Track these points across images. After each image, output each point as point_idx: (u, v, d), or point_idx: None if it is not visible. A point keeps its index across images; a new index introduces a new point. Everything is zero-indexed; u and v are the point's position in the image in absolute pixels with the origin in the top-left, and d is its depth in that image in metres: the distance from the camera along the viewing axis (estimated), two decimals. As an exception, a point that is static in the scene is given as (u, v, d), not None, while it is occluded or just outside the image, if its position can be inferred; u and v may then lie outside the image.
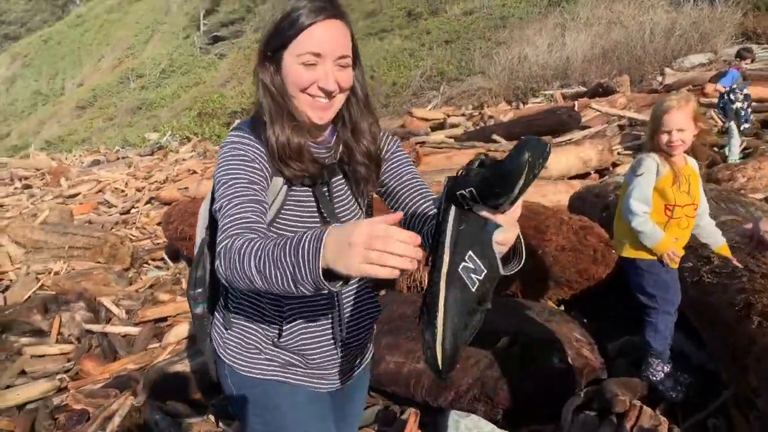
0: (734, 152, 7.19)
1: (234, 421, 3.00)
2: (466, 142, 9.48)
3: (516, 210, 1.11)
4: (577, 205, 4.68)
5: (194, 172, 12.56)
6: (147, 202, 10.65)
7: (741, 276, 2.48)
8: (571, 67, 16.61)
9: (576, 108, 10.38)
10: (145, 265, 6.47)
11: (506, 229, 1.10)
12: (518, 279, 3.73)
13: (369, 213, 1.57)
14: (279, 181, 1.33)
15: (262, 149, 1.31)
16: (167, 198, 9.78)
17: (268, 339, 1.42)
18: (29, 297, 5.53)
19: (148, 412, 3.10)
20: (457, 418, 2.47)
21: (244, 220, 1.20)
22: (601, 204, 4.26)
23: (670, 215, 2.61)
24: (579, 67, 16.43)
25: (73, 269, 6.13)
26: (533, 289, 3.72)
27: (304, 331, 1.41)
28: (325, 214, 1.36)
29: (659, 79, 13.25)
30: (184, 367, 3.28)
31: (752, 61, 7.90)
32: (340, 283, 1.00)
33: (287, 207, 1.36)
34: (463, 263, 1.05)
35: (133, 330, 4.21)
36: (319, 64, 1.26)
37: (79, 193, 12.47)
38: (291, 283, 1.02)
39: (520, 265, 1.20)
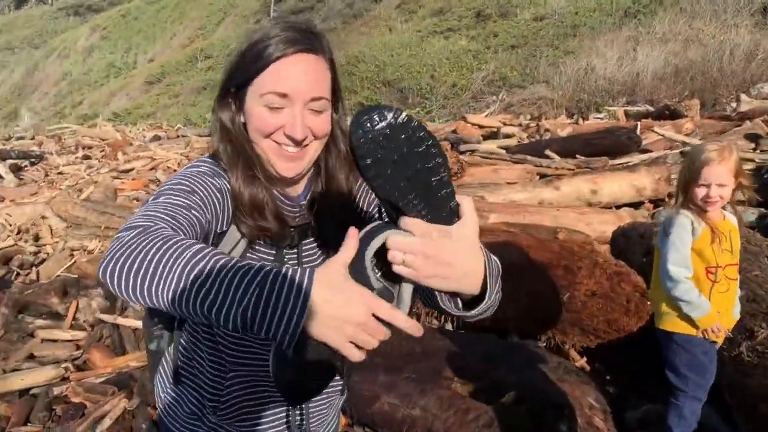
0: None
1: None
2: (517, 155, 9.12)
3: (466, 223, 0.85)
4: (620, 243, 4.36)
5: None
6: (195, 184, 10.77)
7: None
8: (640, 84, 15.90)
9: (638, 129, 9.84)
10: (177, 252, 6.49)
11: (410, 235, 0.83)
12: (540, 320, 3.47)
13: None
14: (237, 234, 1.14)
15: (228, 186, 1.12)
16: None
17: (210, 406, 1.24)
18: (60, 273, 5.63)
19: (138, 419, 3.02)
20: (445, 479, 2.27)
21: (168, 215, 0.95)
22: (644, 246, 3.93)
23: (713, 279, 2.31)
24: (648, 84, 15.71)
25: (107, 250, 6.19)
26: (556, 332, 3.45)
27: (247, 406, 1.22)
28: None
29: (733, 105, 12.45)
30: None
31: None
32: (306, 348, 0.81)
33: None
34: None
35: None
36: (286, 107, 1.06)
37: (133, 169, 12.76)
38: (239, 318, 0.77)
39: (485, 307, 0.94)
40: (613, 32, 19.22)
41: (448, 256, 0.83)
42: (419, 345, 2.96)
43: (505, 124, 12.71)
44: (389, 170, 0.82)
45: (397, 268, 0.83)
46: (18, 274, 5.76)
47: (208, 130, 14.42)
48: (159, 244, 0.83)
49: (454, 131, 11.60)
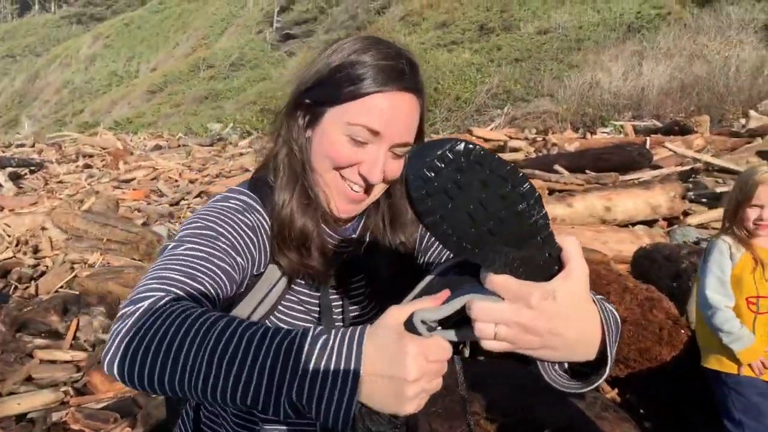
0: None
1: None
2: (526, 170, 8.98)
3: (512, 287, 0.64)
4: (643, 265, 4.19)
5: (247, 170, 12.52)
6: (197, 196, 10.65)
7: None
8: (646, 99, 15.82)
9: (648, 145, 9.72)
10: (180, 266, 6.32)
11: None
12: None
13: None
14: (278, 272, 0.99)
15: (265, 222, 0.97)
16: (216, 194, 9.71)
17: None
18: (59, 288, 5.45)
19: (142, 450, 2.84)
20: None
21: (186, 274, 0.80)
22: (671, 269, 3.77)
23: (755, 311, 2.15)
24: (654, 99, 15.63)
25: (108, 263, 6.03)
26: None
27: None
28: None
29: (742, 121, 12.36)
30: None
31: None
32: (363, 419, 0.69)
33: (283, 309, 1.01)
34: None
35: (148, 345, 4.00)
36: (371, 144, 0.91)
37: (134, 179, 12.63)
38: (282, 406, 0.66)
39: (606, 373, 0.74)
40: (617, 47, 19.19)
41: (554, 323, 0.65)
42: (448, 376, 2.78)
43: (510, 137, 12.60)
44: (462, 223, 0.64)
45: (487, 344, 0.65)
46: (16, 288, 5.59)
47: (209, 139, 14.31)
48: (175, 325, 0.69)
49: (461, 144, 11.47)
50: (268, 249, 0.97)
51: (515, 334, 0.64)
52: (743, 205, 2.17)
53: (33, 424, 3.27)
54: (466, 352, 0.79)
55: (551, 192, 8.21)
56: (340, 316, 1.04)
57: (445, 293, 0.71)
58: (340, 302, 1.05)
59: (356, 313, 1.07)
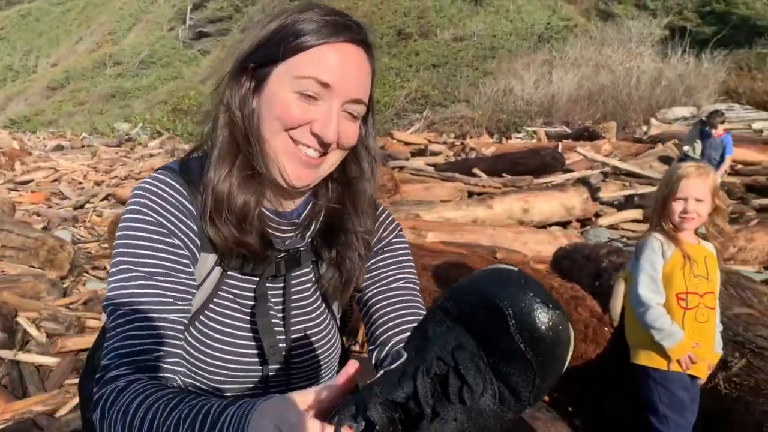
0: None
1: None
2: (447, 173, 9.11)
3: None
4: (564, 265, 4.29)
5: (158, 171, 11.96)
6: (103, 199, 10.04)
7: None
8: (556, 106, 16.55)
9: (560, 150, 10.13)
10: (85, 274, 5.87)
11: None
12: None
13: (343, 328, 1.10)
14: (210, 259, 0.88)
15: (191, 207, 0.87)
16: (125, 197, 9.16)
17: None
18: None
19: (44, 478, 2.56)
20: None
21: (142, 348, 0.79)
22: (592, 268, 3.87)
23: (684, 306, 2.21)
24: (564, 106, 16.38)
25: (3, 272, 5.50)
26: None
27: None
28: (259, 328, 0.90)
29: (644, 128, 13.17)
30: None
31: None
32: None
33: (220, 298, 0.91)
34: None
35: (49, 360, 3.64)
36: (322, 99, 0.83)
37: (32, 180, 11.75)
38: None
39: None
40: (529, 55, 19.98)
41: None
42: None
43: (430, 141, 12.78)
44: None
45: None
46: None
47: (117, 139, 13.56)
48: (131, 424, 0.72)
49: (382, 147, 11.50)
50: (196, 230, 0.87)
51: None
52: (668, 199, 2.22)
53: None
54: None
55: (471, 194, 8.38)
56: (281, 304, 0.94)
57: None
58: (281, 297, 0.94)
59: (301, 308, 0.96)
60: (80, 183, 11.63)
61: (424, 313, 0.96)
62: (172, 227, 0.85)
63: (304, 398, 0.60)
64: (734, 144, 9.65)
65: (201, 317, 0.90)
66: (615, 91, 15.96)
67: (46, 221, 8.13)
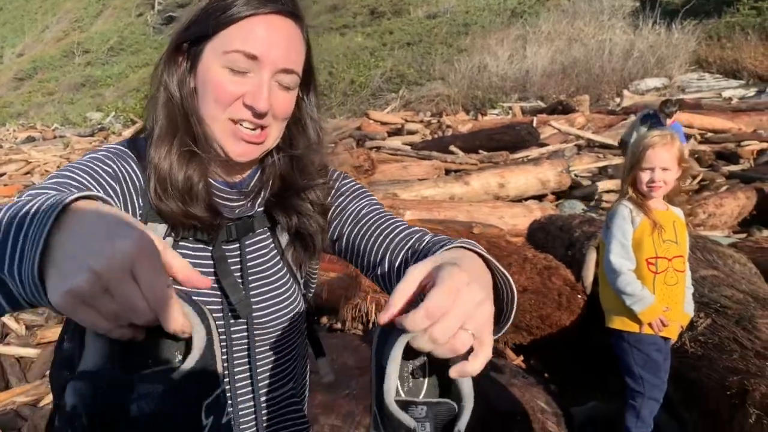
0: None
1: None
2: (423, 152, 9.15)
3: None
4: (538, 237, 4.38)
5: (133, 160, 11.80)
6: (78, 190, 9.89)
7: (731, 351, 2.18)
8: (530, 81, 16.59)
9: (535, 124, 10.21)
10: (62, 265, 5.85)
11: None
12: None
13: (306, 290, 1.13)
14: (160, 229, 0.90)
15: (137, 179, 0.89)
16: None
17: None
18: None
19: (31, 466, 2.59)
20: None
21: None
22: (565, 238, 3.96)
23: (654, 270, 2.29)
24: (538, 81, 16.43)
25: (-22, 267, 5.45)
26: (489, 331, 3.38)
27: None
28: (224, 286, 0.92)
29: (617, 100, 13.30)
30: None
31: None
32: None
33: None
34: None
35: (30, 352, 3.64)
36: (252, 72, 0.85)
37: (4, 174, 11.53)
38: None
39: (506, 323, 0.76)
40: (502, 31, 19.95)
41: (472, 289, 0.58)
42: (353, 357, 2.74)
43: (407, 120, 12.77)
44: None
45: (461, 370, 0.59)
46: None
47: (89, 129, 13.34)
48: None
49: (359, 128, 11.48)
50: (137, 202, 0.88)
51: (478, 320, 0.57)
52: (635, 168, 2.29)
53: None
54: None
55: (448, 172, 8.43)
56: (238, 266, 0.96)
57: None
58: (239, 259, 0.97)
59: (257, 269, 0.99)
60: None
61: (401, 221, 1.00)
62: (114, 188, 0.85)
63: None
64: (705, 112, 9.85)
65: None
66: (588, 64, 16.03)
67: (20, 214, 8.02)
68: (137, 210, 0.89)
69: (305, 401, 1.15)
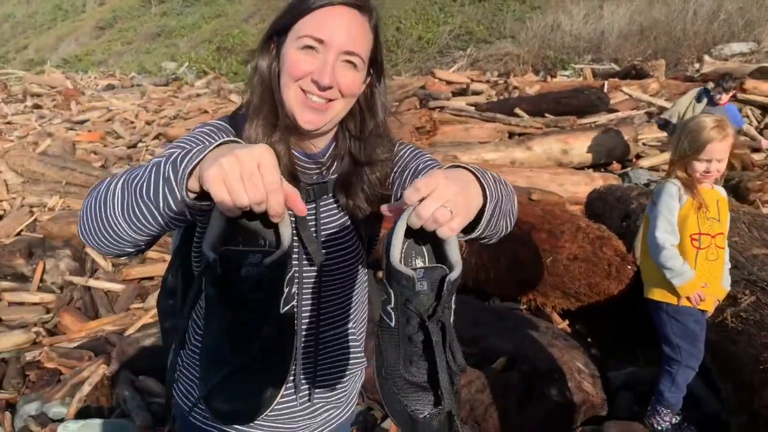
0: None
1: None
2: (487, 113, 9.09)
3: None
4: (596, 206, 4.41)
5: (205, 111, 12.25)
6: (155, 138, 10.43)
7: (772, 328, 2.24)
8: (605, 42, 15.93)
9: (606, 89, 9.92)
10: (142, 209, 6.29)
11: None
12: (521, 283, 3.51)
13: (370, 248, 1.32)
14: None
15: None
16: (174, 136, 9.54)
17: None
18: (20, 232, 5.39)
19: (119, 385, 2.95)
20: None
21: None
22: (622, 209, 3.99)
23: (697, 246, 2.35)
24: (613, 42, 15.75)
25: (68, 207, 5.96)
26: (537, 295, 3.50)
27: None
28: (305, 243, 1.10)
29: (696, 66, 12.66)
30: (160, 341, 3.12)
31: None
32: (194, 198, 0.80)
33: None
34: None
35: (116, 287, 4.05)
36: (320, 53, 1.02)
37: (88, 120, 12.23)
38: (150, 192, 0.82)
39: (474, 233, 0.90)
40: (579, -12, 19.09)
41: (457, 183, 0.79)
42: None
43: (473, 80, 12.61)
44: None
45: (450, 225, 0.76)
46: (-26, 233, 5.50)
47: (164, 79, 13.72)
48: (109, 185, 0.88)
49: (423, 87, 11.45)
50: None
51: (455, 202, 0.76)
52: (691, 156, 2.32)
53: (6, 363, 3.33)
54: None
55: (511, 135, 8.38)
56: (313, 222, 1.14)
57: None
58: (314, 218, 1.14)
59: (329, 226, 1.17)
60: (132, 122, 12.05)
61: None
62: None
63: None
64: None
65: None
66: (669, 26, 15.21)
67: (104, 159, 8.57)
68: None
69: (363, 343, 1.35)
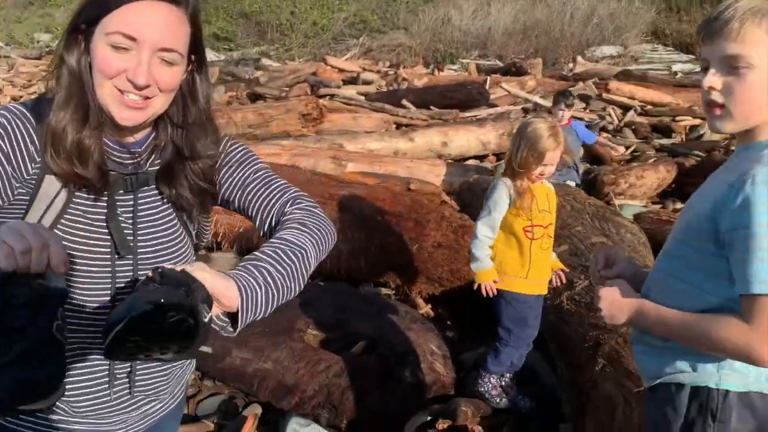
0: None
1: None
2: (376, 104, 9.25)
3: None
4: (465, 197, 4.66)
5: (81, 89, 11.45)
6: (21, 116, 9.62)
7: (598, 309, 2.50)
8: (492, 39, 16.65)
9: (488, 85, 10.39)
10: None
11: None
12: (390, 269, 3.66)
13: (199, 241, 1.34)
14: (55, 181, 1.06)
15: (36, 137, 1.05)
16: (43, 115, 8.86)
17: None
18: None
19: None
20: (296, 427, 2.37)
21: None
22: (486, 200, 4.24)
23: (531, 237, 2.58)
24: (499, 39, 16.50)
25: None
26: (405, 281, 3.67)
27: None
28: (110, 228, 1.09)
29: (570, 66, 13.57)
30: None
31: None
32: None
33: (69, 218, 1.07)
34: None
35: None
36: (132, 50, 1.00)
37: (-57, 95, 11.07)
38: None
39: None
40: (470, -17, 19.76)
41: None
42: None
43: (364, 69, 12.76)
44: None
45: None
46: None
47: (37, 51, 12.74)
48: None
49: (314, 73, 11.43)
50: (34, 157, 1.04)
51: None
52: (531, 161, 2.49)
53: None
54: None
55: (398, 126, 8.58)
56: (131, 213, 1.12)
57: None
58: (131, 208, 1.13)
59: (149, 217, 1.16)
60: (-3, 98, 11.06)
61: (282, 182, 1.25)
62: (10, 152, 1.02)
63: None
64: (649, 85, 10.19)
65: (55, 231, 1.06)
66: (548, 26, 16.18)
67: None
68: (24, 167, 1.04)
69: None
